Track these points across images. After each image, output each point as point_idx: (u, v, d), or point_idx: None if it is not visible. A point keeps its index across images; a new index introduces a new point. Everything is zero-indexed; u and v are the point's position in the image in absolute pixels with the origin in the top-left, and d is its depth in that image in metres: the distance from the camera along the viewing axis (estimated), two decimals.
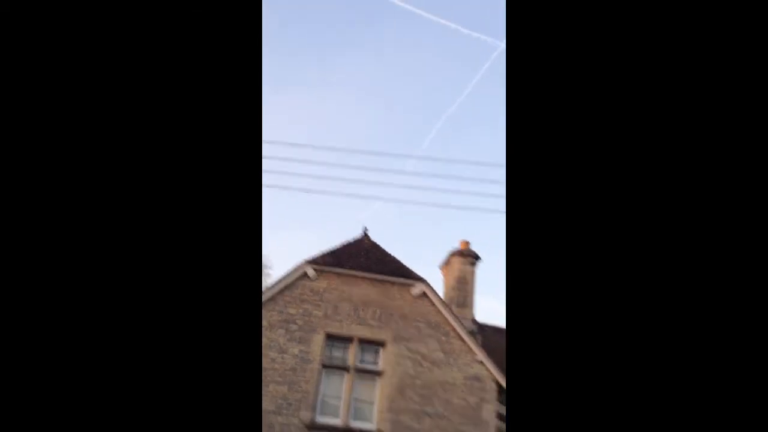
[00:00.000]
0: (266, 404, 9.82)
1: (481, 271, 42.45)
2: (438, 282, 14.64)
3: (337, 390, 10.36)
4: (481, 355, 10.85)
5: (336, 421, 10.02)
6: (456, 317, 11.29)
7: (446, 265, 13.52)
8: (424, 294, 11.18)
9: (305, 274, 10.98)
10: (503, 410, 10.50)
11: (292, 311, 10.67)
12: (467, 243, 13.40)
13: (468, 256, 13.17)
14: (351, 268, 11.22)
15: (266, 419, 9.73)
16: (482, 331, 12.96)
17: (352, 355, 10.63)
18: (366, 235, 12.57)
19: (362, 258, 11.76)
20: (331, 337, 10.66)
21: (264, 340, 10.32)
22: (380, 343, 10.77)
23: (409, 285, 11.22)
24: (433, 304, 11.15)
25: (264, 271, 27.87)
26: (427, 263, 44.29)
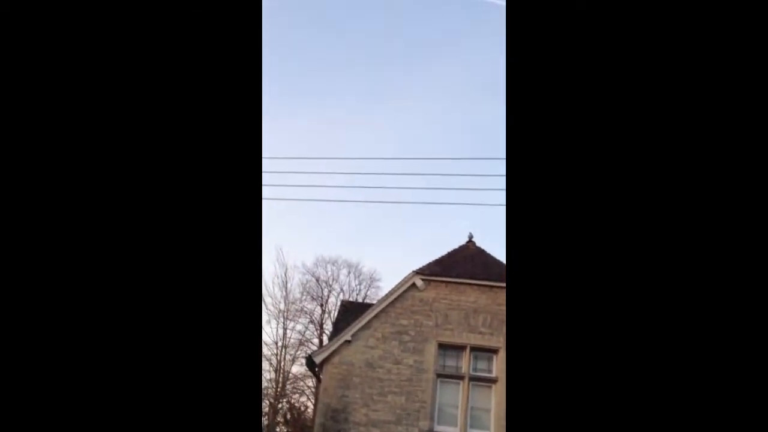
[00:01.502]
0: (386, 415, 10.23)
1: None
2: None
3: (454, 398, 10.56)
4: None
5: (454, 430, 10.25)
6: None
7: None
8: None
9: (414, 285, 11.24)
10: None
11: (404, 322, 10.98)
12: None
13: None
14: (458, 276, 11.36)
15: (387, 429, 10.12)
16: None
17: (465, 363, 10.78)
18: (471, 241, 12.65)
19: (469, 265, 11.86)
20: (443, 346, 10.87)
21: (379, 352, 10.72)
22: (493, 350, 10.84)
23: None
24: None
25: (373, 283, 28.55)
26: None
